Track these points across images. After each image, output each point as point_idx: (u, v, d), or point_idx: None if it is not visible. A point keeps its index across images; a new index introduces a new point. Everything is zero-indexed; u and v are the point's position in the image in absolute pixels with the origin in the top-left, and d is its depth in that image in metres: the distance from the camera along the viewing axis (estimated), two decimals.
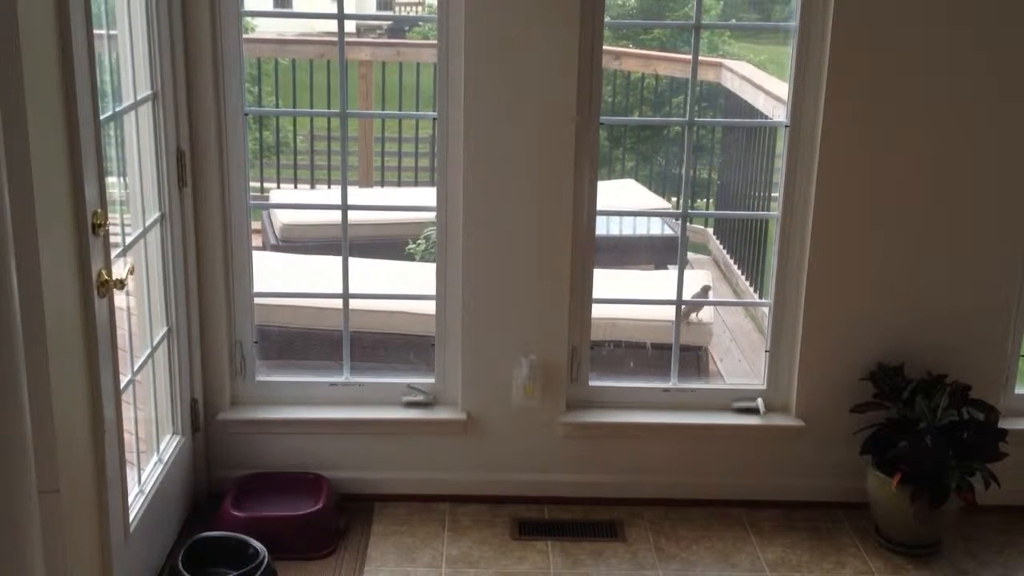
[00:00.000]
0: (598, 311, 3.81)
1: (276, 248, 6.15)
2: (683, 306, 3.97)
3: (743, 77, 6.27)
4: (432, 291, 3.72)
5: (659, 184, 7.56)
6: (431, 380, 3.80)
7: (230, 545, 3.26)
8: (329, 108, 7.46)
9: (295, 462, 3.74)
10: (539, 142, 3.49)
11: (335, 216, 3.78)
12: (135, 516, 3.09)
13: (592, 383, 3.81)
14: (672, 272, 4.55)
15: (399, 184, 7.71)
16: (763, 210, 5.85)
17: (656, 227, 6.48)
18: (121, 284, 2.81)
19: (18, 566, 1.97)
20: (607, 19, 3.50)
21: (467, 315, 3.64)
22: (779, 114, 4.60)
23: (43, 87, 2.41)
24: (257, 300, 3.77)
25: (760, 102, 5.84)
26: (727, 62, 6.94)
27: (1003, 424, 3.55)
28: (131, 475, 3.13)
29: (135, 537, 3.06)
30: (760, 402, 3.80)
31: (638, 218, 6.49)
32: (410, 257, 6.05)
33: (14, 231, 1.92)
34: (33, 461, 2.01)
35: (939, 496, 3.39)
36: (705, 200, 7.63)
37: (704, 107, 7.31)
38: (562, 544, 3.60)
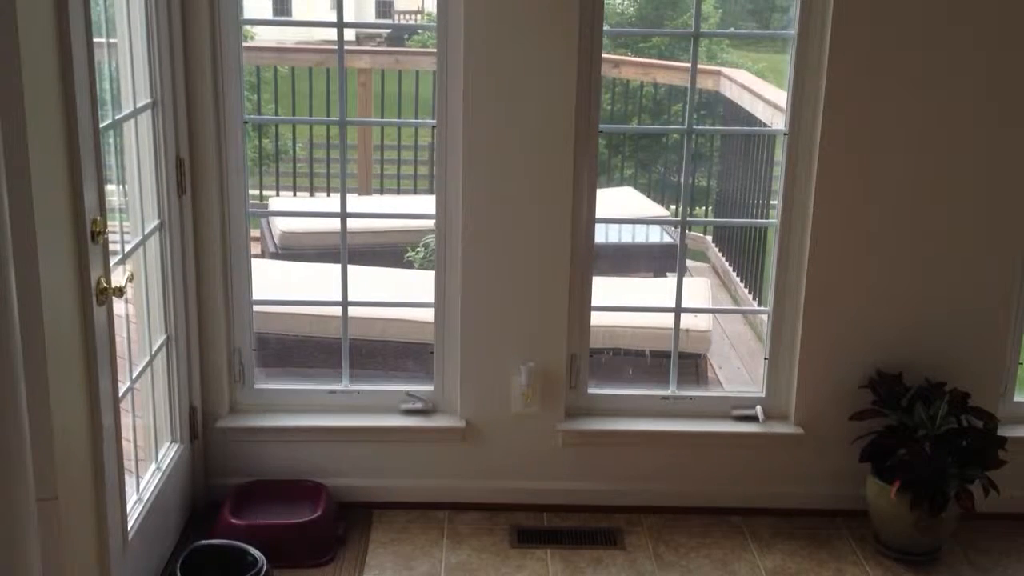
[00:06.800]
0: (597, 319, 3.81)
1: (275, 256, 6.16)
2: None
3: (742, 85, 6.28)
4: (431, 299, 3.72)
5: (658, 192, 7.58)
6: (430, 388, 3.80)
7: (228, 553, 3.25)
8: (328, 116, 7.48)
9: (294, 469, 3.74)
10: (538, 150, 3.49)
11: (334, 224, 3.78)
12: (133, 524, 3.09)
13: (591, 391, 3.81)
14: (671, 280, 4.55)
15: (398, 192, 7.73)
16: (762, 218, 5.86)
17: (655, 235, 6.49)
18: (120, 292, 2.81)
19: (16, 574, 1.97)
20: (606, 27, 3.51)
21: (466, 323, 3.64)
22: (778, 122, 4.61)
23: (43, 95, 2.41)
24: (256, 308, 3.77)
25: (759, 110, 5.85)
26: (726, 70, 6.96)
27: (1002, 431, 3.55)
28: (129, 483, 3.13)
29: (133, 545, 3.06)
30: (759, 410, 3.80)
31: (637, 226, 6.50)
32: (409, 265, 6.05)
33: (13, 238, 1.92)
34: (31, 469, 2.01)
35: (938, 504, 3.38)
36: (704, 208, 7.65)
37: (703, 115, 7.33)
38: (561, 552, 3.59)
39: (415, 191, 7.68)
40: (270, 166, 8.23)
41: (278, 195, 7.58)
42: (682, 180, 3.83)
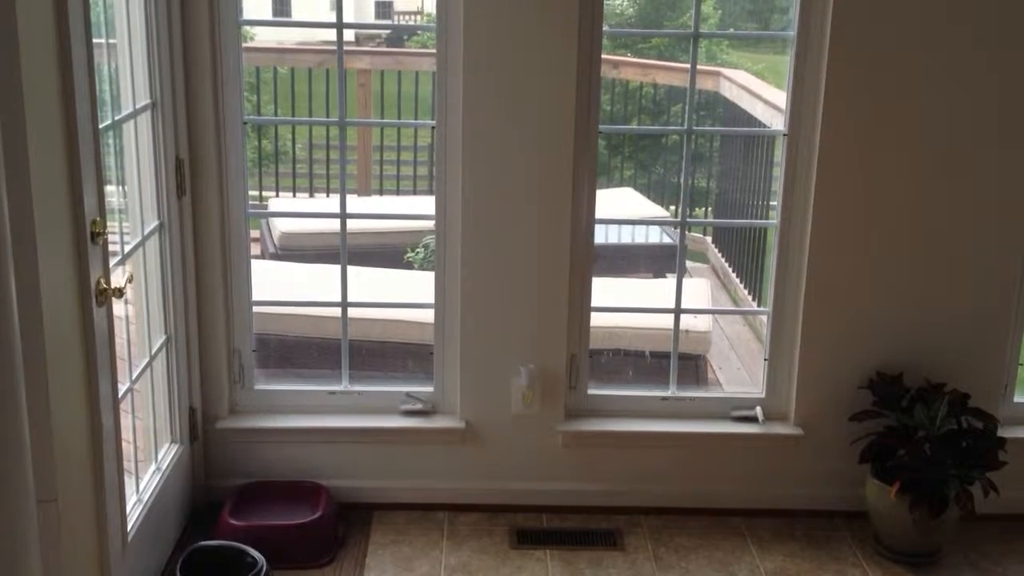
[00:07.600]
0: (597, 319, 3.81)
1: (275, 256, 6.16)
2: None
3: (741, 86, 6.28)
4: (431, 299, 3.72)
5: (657, 192, 7.57)
6: (430, 388, 3.80)
7: (228, 554, 3.25)
8: (328, 117, 7.47)
9: (293, 470, 3.74)
10: (538, 150, 3.49)
11: (334, 224, 3.78)
12: (133, 525, 3.09)
13: (591, 391, 3.81)
14: (671, 280, 4.55)
15: (398, 192, 7.73)
16: (761, 218, 5.86)
17: (655, 235, 6.49)
18: (120, 292, 2.81)
19: (16, 575, 1.97)
20: (605, 28, 3.51)
21: (466, 323, 3.64)
22: (777, 123, 4.60)
23: (42, 96, 2.41)
24: (256, 308, 3.77)
25: (758, 111, 5.85)
26: (725, 71, 6.96)
27: (1002, 433, 3.55)
28: (129, 484, 3.13)
29: (133, 546, 3.05)
30: (759, 410, 3.79)
31: (636, 226, 6.49)
32: (409, 265, 6.05)
33: (13, 239, 1.92)
34: (31, 470, 2.01)
35: (938, 505, 3.38)
36: (703, 208, 7.65)
37: (702, 116, 7.33)
38: (561, 553, 3.59)
39: (415, 192, 7.68)
40: (270, 167, 8.23)
41: (278, 196, 7.58)
42: (682, 181, 3.83)
